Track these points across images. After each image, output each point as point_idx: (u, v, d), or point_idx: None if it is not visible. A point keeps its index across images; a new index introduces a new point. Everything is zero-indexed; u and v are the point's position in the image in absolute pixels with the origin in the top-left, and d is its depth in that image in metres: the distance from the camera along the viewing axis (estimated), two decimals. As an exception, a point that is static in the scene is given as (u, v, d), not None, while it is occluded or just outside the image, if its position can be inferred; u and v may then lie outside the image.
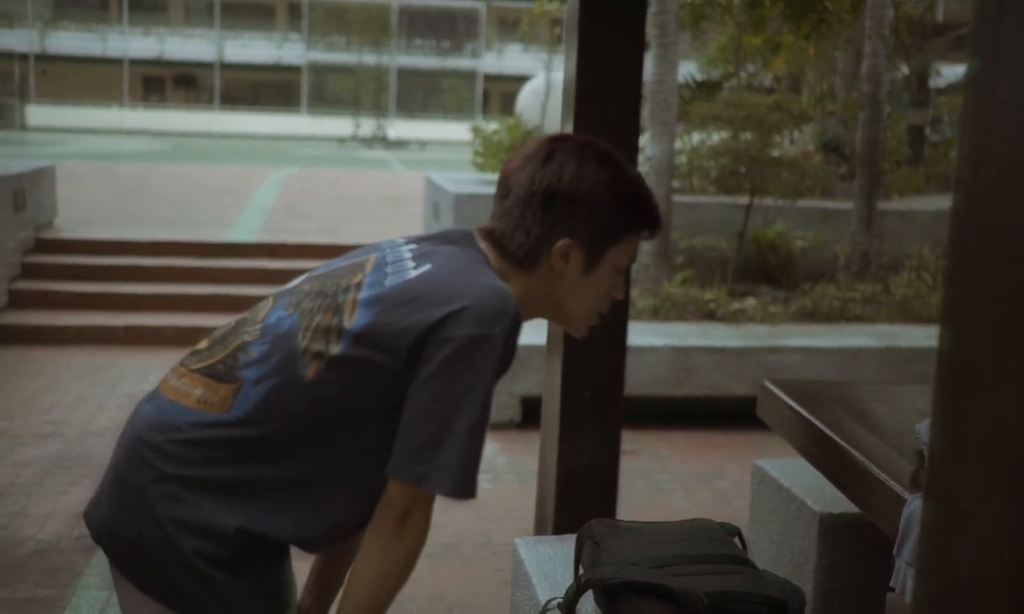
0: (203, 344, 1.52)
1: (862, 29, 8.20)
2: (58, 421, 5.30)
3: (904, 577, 1.79)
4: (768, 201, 6.79)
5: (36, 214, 7.77)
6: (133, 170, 15.88)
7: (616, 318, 3.14)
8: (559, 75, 7.38)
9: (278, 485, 1.43)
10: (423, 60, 41.34)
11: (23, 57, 39.30)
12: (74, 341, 6.80)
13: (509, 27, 44.67)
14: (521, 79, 43.29)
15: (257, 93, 43.52)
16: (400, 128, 33.85)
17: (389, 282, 1.45)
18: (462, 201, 6.73)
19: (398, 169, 19.81)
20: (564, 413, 3.17)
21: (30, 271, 7.39)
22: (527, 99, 7.53)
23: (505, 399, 5.48)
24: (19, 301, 7.08)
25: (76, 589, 3.51)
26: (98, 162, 18.37)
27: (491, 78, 41.97)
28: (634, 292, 6.26)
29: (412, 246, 1.54)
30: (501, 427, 5.50)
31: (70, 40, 39.84)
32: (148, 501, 1.40)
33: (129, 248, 7.82)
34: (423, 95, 41.60)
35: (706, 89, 7.73)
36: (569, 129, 3.06)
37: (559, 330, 3.13)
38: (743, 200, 6.70)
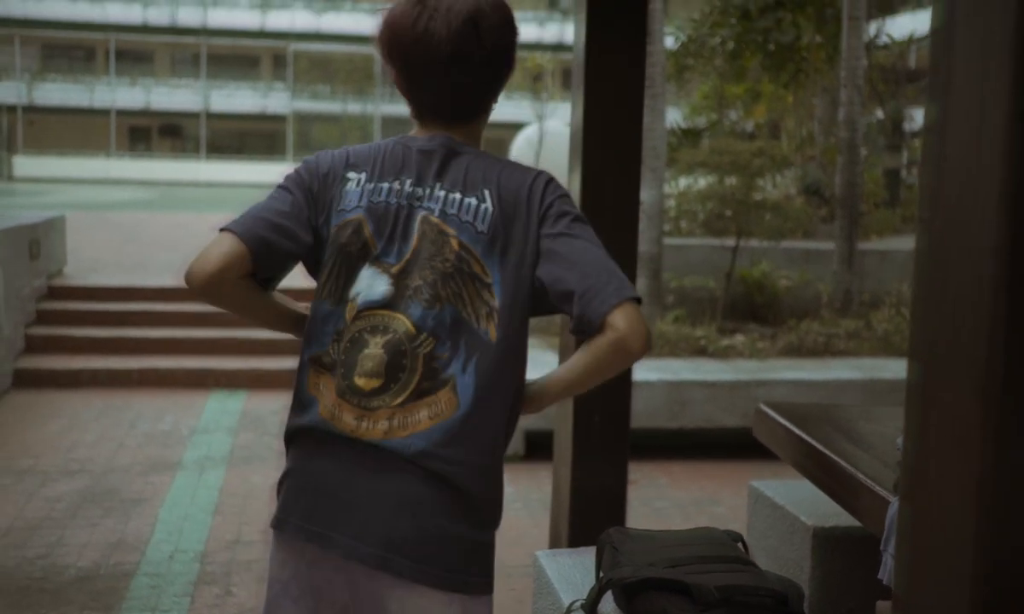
0: (367, 384, 1.61)
1: (838, 77, 8.63)
2: (82, 459, 5.54)
3: (889, 569, 2.06)
4: (753, 242, 7.13)
5: (49, 262, 8.03)
6: (127, 219, 16.17)
7: None
8: (551, 124, 7.73)
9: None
10: (407, 108, 41.83)
11: (11, 109, 39.62)
12: (89, 384, 7.04)
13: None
14: (504, 126, 43.91)
15: (243, 142, 43.91)
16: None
17: (479, 223, 1.65)
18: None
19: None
20: (576, 437, 3.45)
21: (45, 317, 7.64)
22: (521, 148, 7.87)
23: (509, 432, 5.75)
24: (35, 346, 7.33)
25: (121, 610, 3.75)
26: (91, 211, 18.63)
27: (475, 125, 42.54)
28: (629, 330, 6.57)
29: (427, 186, 1.70)
30: (505, 460, 5.76)
31: (57, 91, 40.20)
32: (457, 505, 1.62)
33: (138, 294, 8.08)
34: (408, 143, 42.06)
35: (691, 136, 8.10)
36: (578, 173, 3.37)
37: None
38: (730, 242, 7.04)
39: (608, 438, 3.49)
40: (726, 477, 5.63)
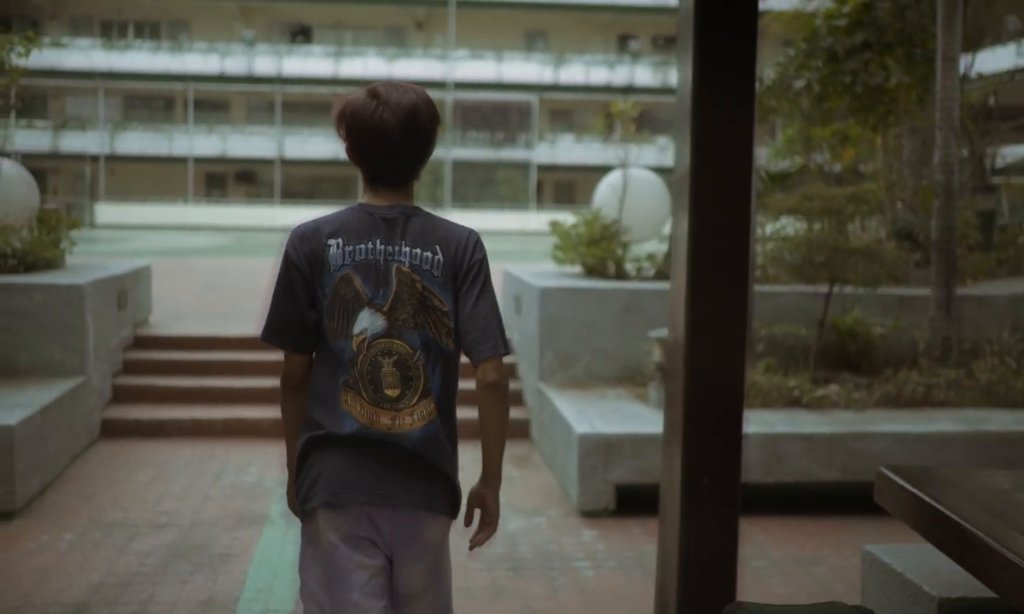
0: (393, 393, 2.28)
1: (928, 118, 8.39)
2: (170, 511, 5.53)
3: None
4: (844, 289, 6.93)
5: (135, 312, 8.13)
6: (206, 265, 16.43)
7: (731, 406, 3.29)
8: (636, 171, 7.63)
9: None
10: (477, 152, 42.23)
11: (94, 158, 40.82)
12: (175, 434, 7.07)
13: (561, 118, 45.55)
14: (575, 169, 44.02)
15: (316, 187, 44.57)
16: (456, 219, 34.42)
17: (434, 269, 2.29)
18: (548, 295, 6.95)
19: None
20: (684, 500, 3.28)
21: (131, 367, 7.72)
22: (604, 194, 7.77)
23: (599, 486, 5.61)
24: (122, 396, 7.39)
25: (214, 673, 3.68)
26: (172, 258, 18.99)
27: (544, 168, 42.69)
28: (718, 380, 6.40)
29: (395, 244, 2.30)
30: (596, 515, 5.62)
31: (138, 140, 41.35)
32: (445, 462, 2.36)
33: (222, 344, 8.13)
34: (478, 186, 42.38)
35: (778, 180, 7.94)
36: (684, 221, 3.22)
37: (676, 419, 3.28)
38: (820, 289, 6.85)
39: (718, 501, 3.32)
40: (826, 535, 5.41)
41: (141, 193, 41.70)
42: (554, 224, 8.09)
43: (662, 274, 7.65)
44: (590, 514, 5.64)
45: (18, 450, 5.30)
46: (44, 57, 39.87)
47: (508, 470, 6.56)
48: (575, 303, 6.99)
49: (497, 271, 9.36)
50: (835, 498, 5.85)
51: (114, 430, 7.02)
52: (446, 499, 2.38)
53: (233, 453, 6.72)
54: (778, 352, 6.80)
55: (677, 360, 3.32)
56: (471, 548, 2.52)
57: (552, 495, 6.03)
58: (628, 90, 42.93)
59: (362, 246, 2.28)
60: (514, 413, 7.46)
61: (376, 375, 2.26)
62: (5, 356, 6.58)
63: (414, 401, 2.28)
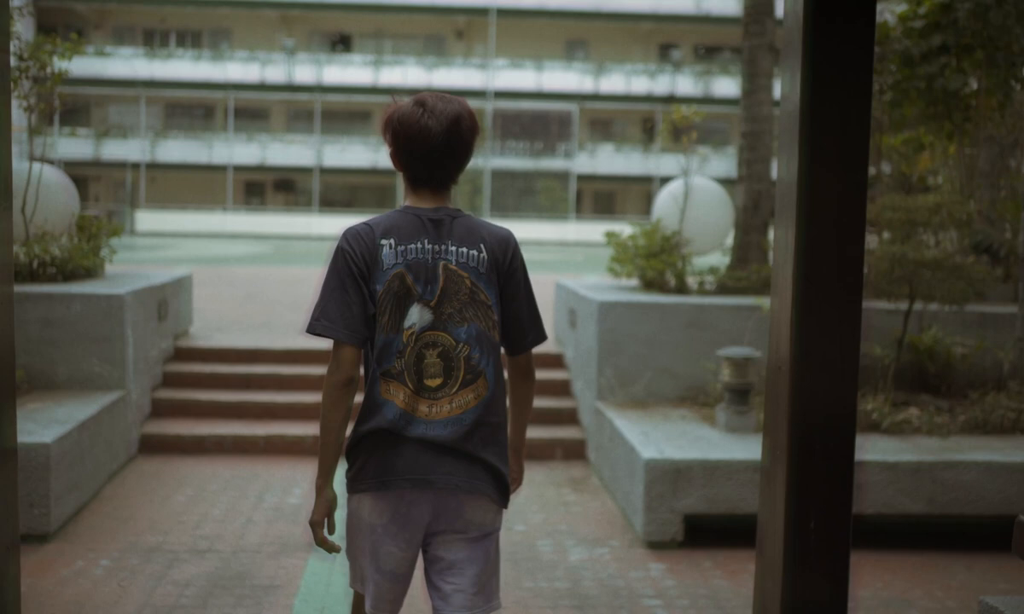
0: (434, 383, 2.44)
1: (1007, 125, 7.94)
2: (211, 536, 5.22)
3: None
4: (920, 305, 6.51)
5: (176, 323, 7.86)
6: (246, 274, 16.21)
7: (843, 438, 2.93)
8: (698, 180, 7.25)
9: None
10: (517, 161, 41.95)
11: (135, 166, 41.01)
12: (215, 451, 6.78)
13: (601, 128, 45.17)
14: (614, 179, 43.63)
15: (354, 196, 44.56)
16: (495, 228, 34.09)
17: (480, 266, 2.45)
18: (606, 310, 6.59)
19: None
20: (788, 545, 2.93)
21: (171, 380, 7.44)
22: (665, 203, 7.39)
23: (666, 516, 5.24)
24: (161, 410, 7.12)
25: None
26: (211, 266, 18.82)
27: (584, 178, 42.34)
28: (791, 402, 6.00)
29: (443, 243, 2.46)
30: (663, 546, 5.25)
31: (178, 149, 41.50)
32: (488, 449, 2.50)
33: (264, 356, 7.84)
34: (517, 195, 42.11)
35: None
36: (791, 232, 2.88)
37: (778, 452, 2.92)
38: (898, 305, 6.43)
39: (827, 546, 2.96)
40: (914, 573, 5.00)
41: (181, 201, 41.87)
42: (610, 235, 7.72)
43: (725, 288, 7.27)
44: (656, 545, 5.26)
45: (54, 469, 5.03)
46: (87, 65, 40.46)
47: (565, 494, 6.21)
48: (636, 319, 6.63)
49: (544, 282, 9.00)
50: (921, 533, 5.43)
51: (153, 446, 6.75)
52: (488, 482, 2.50)
53: (276, 472, 6.41)
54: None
55: (779, 385, 2.98)
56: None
57: (614, 523, 5.66)
58: (670, 100, 42.46)
59: (412, 246, 2.44)
60: (569, 433, 7.10)
61: (420, 365, 2.42)
62: (43, 368, 6.33)
63: (454, 390, 2.44)
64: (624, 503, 5.74)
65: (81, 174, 42.36)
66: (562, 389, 7.64)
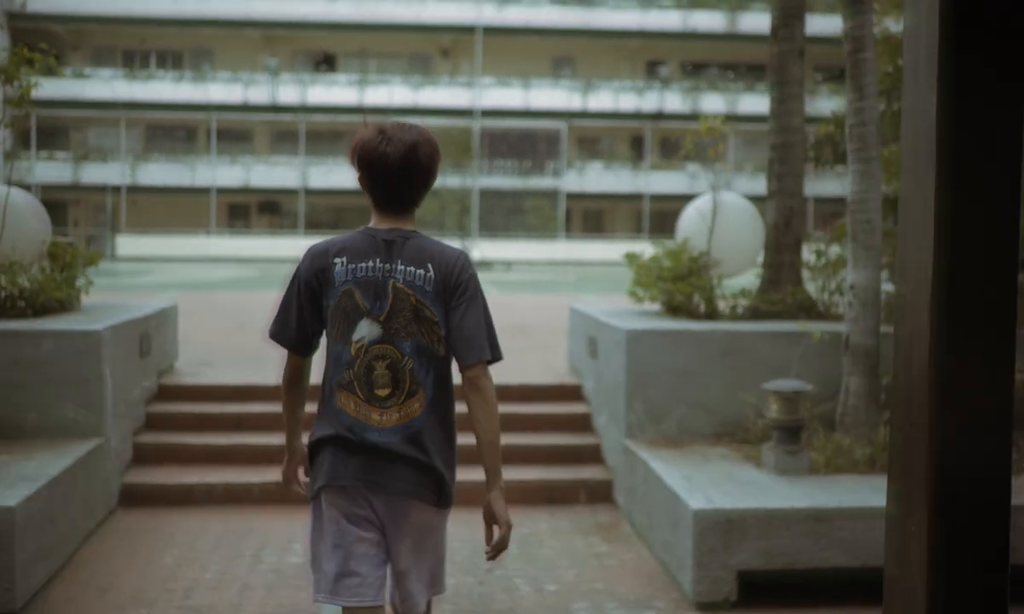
0: (383, 393, 2.62)
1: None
2: (203, 607, 4.58)
3: None
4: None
5: (159, 359, 7.22)
6: (232, 301, 15.56)
7: (995, 484, 2.38)
8: (726, 196, 6.68)
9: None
10: (505, 180, 41.41)
11: (115, 189, 40.27)
12: (205, 501, 6.14)
13: (589, 146, 44.71)
14: (603, 197, 43.10)
15: (340, 217, 43.88)
16: (484, 249, 33.57)
17: (426, 285, 2.62)
18: (635, 339, 5.99)
19: (491, 291, 19.29)
20: (931, 606, 2.36)
21: (155, 422, 6.80)
22: (691, 221, 6.82)
23: (718, 573, 4.63)
24: (144, 456, 6.47)
25: None
26: (196, 292, 18.15)
27: (573, 197, 41.84)
28: (845, 440, 5.42)
29: (392, 263, 2.65)
30: (715, 608, 4.64)
31: (159, 171, 40.81)
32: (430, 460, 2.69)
33: (257, 393, 7.20)
34: (506, 215, 41.55)
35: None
36: (925, 252, 2.35)
37: (917, 495, 2.37)
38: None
39: (978, 606, 2.39)
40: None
41: (163, 225, 41.14)
42: (631, 256, 7.14)
43: (758, 312, 6.69)
44: (708, 606, 4.65)
45: (20, 537, 4.38)
46: (66, 88, 39.76)
47: (595, 544, 5.59)
48: (666, 348, 6.03)
49: (548, 306, 8.54)
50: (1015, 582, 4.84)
51: (135, 497, 6.10)
52: (431, 488, 2.67)
53: (273, 526, 5.77)
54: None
55: (912, 421, 2.42)
56: (489, 558, 2.73)
57: (655, 580, 5.05)
58: (658, 117, 42.10)
59: (363, 264, 2.62)
60: (593, 473, 6.50)
61: (370, 376, 2.60)
62: (10, 415, 5.67)
63: (401, 400, 2.61)
64: (665, 556, 5.13)
65: (60, 198, 41.56)
66: (582, 424, 7.04)
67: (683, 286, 6.59)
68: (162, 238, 39.47)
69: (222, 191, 41.06)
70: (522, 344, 9.71)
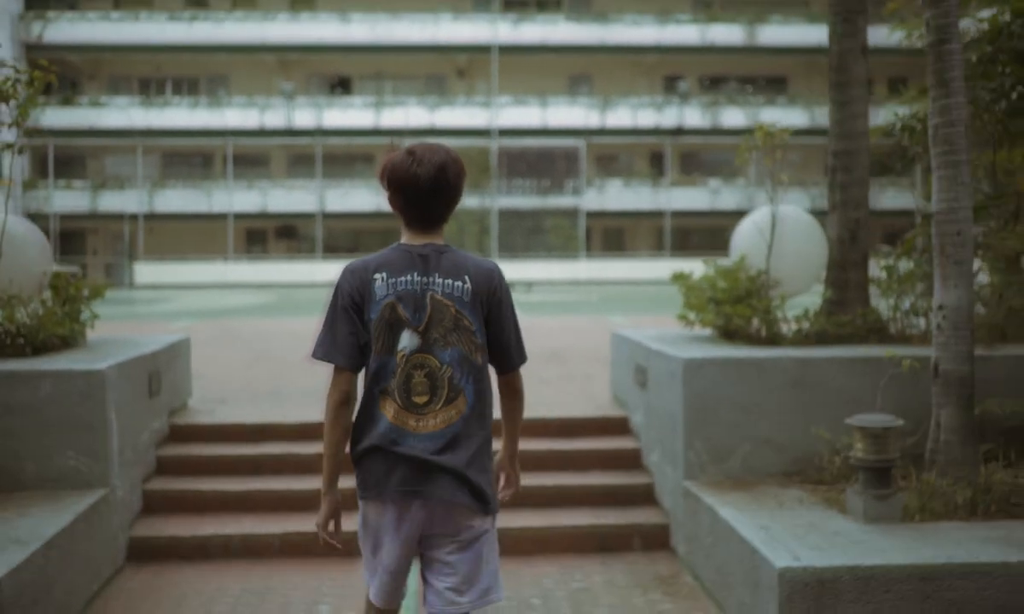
0: (421, 400, 2.76)
1: None
2: (218, 688, 4.00)
3: None
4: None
5: (171, 397, 6.67)
6: (249, 329, 15.03)
7: None
8: (786, 209, 6.10)
9: None
10: (524, 200, 40.87)
11: (132, 217, 39.99)
12: (220, 556, 5.57)
13: (608, 163, 44.14)
14: (623, 215, 42.42)
15: (358, 240, 43.52)
16: (504, 269, 32.95)
17: (464, 296, 2.79)
18: (694, 369, 5.40)
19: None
20: None
21: (166, 466, 6.24)
22: (748, 237, 6.24)
23: (808, 644, 4.01)
24: (154, 505, 5.91)
25: None
26: (212, 320, 17.65)
27: (593, 215, 41.28)
28: (940, 481, 4.80)
29: (430, 276, 2.80)
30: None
31: (177, 198, 40.54)
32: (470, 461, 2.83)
33: (276, 432, 6.64)
34: (525, 235, 41.01)
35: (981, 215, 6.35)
36: None
37: None
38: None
39: None
40: None
41: (181, 251, 40.84)
42: (679, 277, 6.56)
43: (825, 337, 6.08)
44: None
45: (9, 611, 3.82)
46: (82, 116, 39.59)
47: (657, 602, 4.96)
48: (729, 378, 5.43)
49: (583, 328, 7.91)
50: None
51: (145, 552, 5.54)
52: (469, 494, 2.77)
53: (296, 582, 5.19)
54: (1017, 438, 5.21)
55: None
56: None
57: (730, 646, 4.44)
58: (677, 132, 41.51)
59: (403, 278, 2.78)
60: (647, 517, 5.90)
61: (408, 384, 2.74)
62: (5, 466, 5.12)
63: (439, 407, 2.75)
64: (740, 618, 4.52)
65: (78, 227, 41.35)
66: (630, 461, 6.44)
67: (742, 309, 5.99)
68: (180, 265, 39.16)
69: (239, 216, 40.73)
70: (557, 372, 9.12)
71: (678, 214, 41.68)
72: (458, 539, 2.80)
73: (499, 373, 2.92)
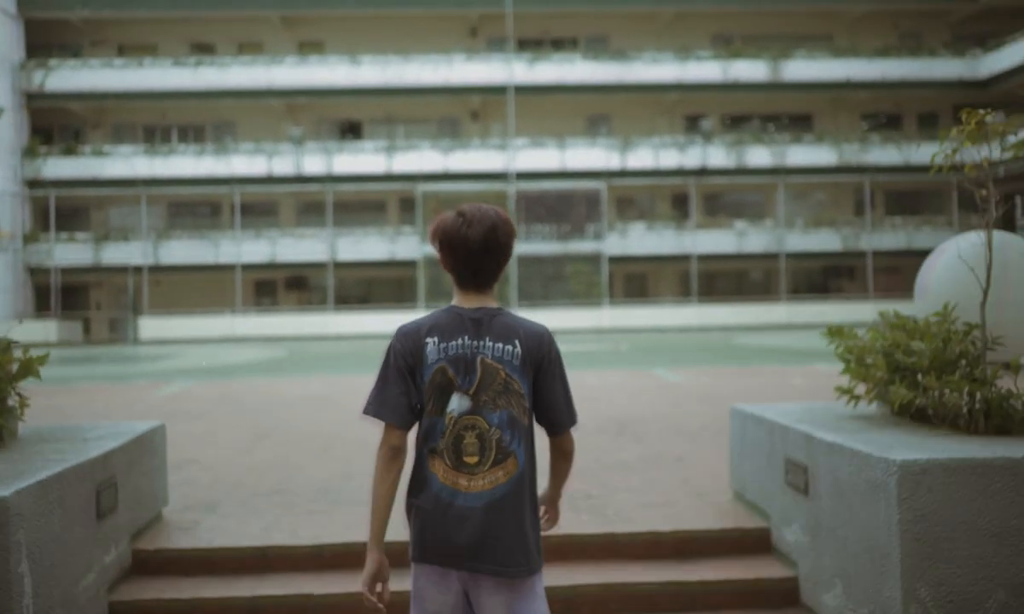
0: (472, 460, 2.71)
1: None
2: None
3: None
4: None
5: (134, 512, 4.79)
6: (257, 393, 13.17)
7: None
8: (1003, 238, 4.24)
9: None
10: (544, 246, 39.07)
11: (137, 269, 38.34)
12: None
13: (629, 206, 42.40)
14: (646, 260, 40.51)
15: (370, 290, 41.84)
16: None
17: (514, 360, 2.73)
18: (915, 479, 3.51)
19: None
20: None
21: (122, 620, 4.36)
22: (951, 277, 4.45)
23: None
24: (101, 686, 4.02)
25: None
26: (216, 380, 15.81)
27: (615, 260, 39.46)
28: None
29: (481, 340, 2.75)
30: None
31: (183, 249, 38.91)
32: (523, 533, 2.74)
33: (284, 560, 4.75)
34: (545, 282, 39.19)
35: None
36: None
37: None
38: None
39: None
40: None
41: (187, 305, 39.16)
42: (836, 332, 4.71)
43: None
44: None
45: None
46: (85, 166, 38.04)
47: None
48: (969, 491, 3.56)
49: (632, 386, 5.62)
50: None
51: None
52: (517, 559, 2.71)
53: None
54: None
55: None
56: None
57: None
58: (702, 173, 39.78)
59: (453, 342, 2.74)
60: (829, 694, 3.96)
61: (459, 445, 2.71)
62: None
63: (487, 467, 2.70)
64: None
65: (81, 281, 39.74)
66: (782, 596, 4.53)
67: (956, 381, 4.11)
68: (186, 319, 37.49)
69: (247, 267, 39.06)
70: (637, 452, 7.22)
71: (704, 258, 39.87)
72: (503, 597, 2.71)
73: (551, 435, 2.87)
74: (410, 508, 2.77)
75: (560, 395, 2.81)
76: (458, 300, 2.82)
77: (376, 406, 2.76)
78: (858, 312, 37.29)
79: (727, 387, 12.06)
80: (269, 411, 10.58)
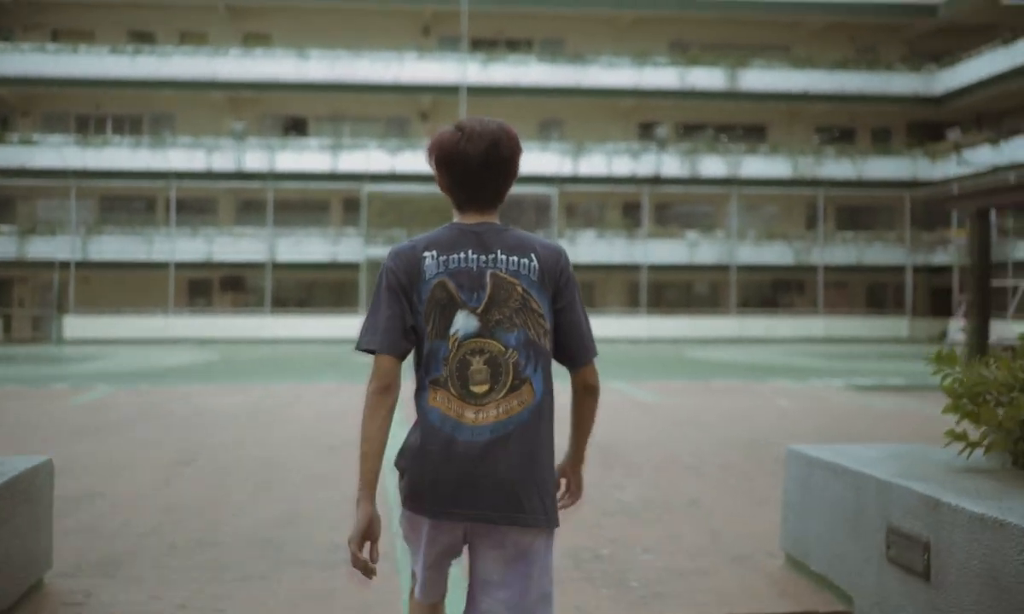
0: (480, 389, 2.38)
1: None
2: None
3: None
4: None
5: (2, 583, 3.50)
6: (185, 403, 11.77)
7: None
8: None
9: None
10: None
11: (64, 265, 36.36)
12: None
13: (579, 213, 41.41)
14: (596, 268, 39.51)
15: (310, 293, 40.32)
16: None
17: (531, 274, 2.43)
18: (975, 530, 2.42)
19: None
20: None
21: None
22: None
23: None
24: None
25: None
26: (141, 386, 14.35)
27: (565, 267, 38.35)
28: None
29: (491, 253, 2.45)
30: None
31: (114, 245, 36.96)
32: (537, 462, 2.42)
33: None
34: (494, 288, 38.01)
35: None
36: None
37: None
38: None
39: None
40: None
41: (117, 303, 37.24)
42: (945, 359, 3.60)
43: None
44: None
45: None
46: (12, 155, 35.92)
47: None
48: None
49: (611, 405, 4.21)
50: None
51: None
52: (528, 505, 2.39)
53: None
54: None
55: None
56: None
57: None
58: (655, 181, 38.93)
59: (455, 255, 2.45)
60: None
61: (464, 372, 2.39)
62: None
63: (501, 395, 2.39)
64: None
65: (4, 276, 37.66)
66: None
67: None
68: (115, 318, 35.64)
69: (182, 266, 37.25)
70: (635, 493, 6.05)
71: (654, 268, 39.05)
72: (505, 553, 2.42)
73: (574, 366, 2.52)
74: (404, 451, 2.46)
75: (583, 320, 2.54)
76: (458, 220, 2.56)
77: (368, 336, 2.48)
78: (807, 327, 36.57)
79: (710, 409, 10.97)
80: (198, 425, 9.24)
